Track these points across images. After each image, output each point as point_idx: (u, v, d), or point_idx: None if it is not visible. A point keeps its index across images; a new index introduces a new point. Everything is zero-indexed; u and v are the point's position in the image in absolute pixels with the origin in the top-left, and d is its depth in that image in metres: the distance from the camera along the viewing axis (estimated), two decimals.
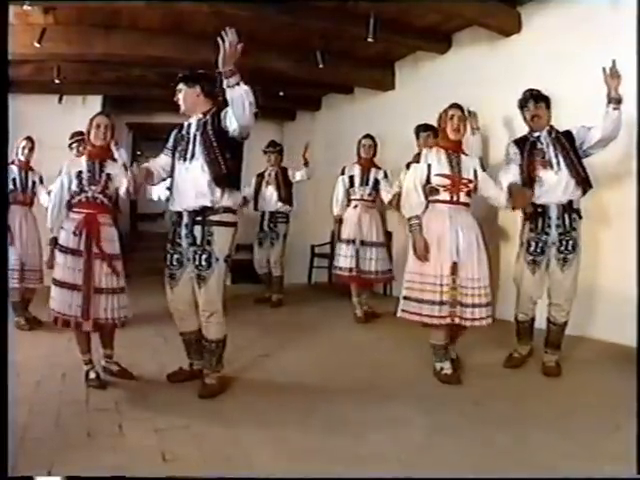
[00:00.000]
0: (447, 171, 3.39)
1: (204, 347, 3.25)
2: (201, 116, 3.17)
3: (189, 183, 3.13)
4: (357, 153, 5.45)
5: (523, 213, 3.73)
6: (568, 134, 3.59)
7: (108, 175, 3.34)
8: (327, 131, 8.45)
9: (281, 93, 7.50)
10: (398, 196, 4.45)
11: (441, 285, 3.31)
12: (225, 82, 2.84)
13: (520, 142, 3.72)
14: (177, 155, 3.22)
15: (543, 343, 3.68)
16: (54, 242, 3.32)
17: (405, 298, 3.45)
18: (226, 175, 3.08)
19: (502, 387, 3.40)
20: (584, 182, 3.54)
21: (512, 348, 3.83)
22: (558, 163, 3.53)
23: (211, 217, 3.11)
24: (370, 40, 4.89)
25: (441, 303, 3.31)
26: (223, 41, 2.76)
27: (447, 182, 3.39)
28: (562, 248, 3.54)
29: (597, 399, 3.13)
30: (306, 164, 6.19)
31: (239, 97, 2.84)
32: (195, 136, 3.14)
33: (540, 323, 3.77)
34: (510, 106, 3.85)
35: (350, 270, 5.25)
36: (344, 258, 5.29)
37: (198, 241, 3.12)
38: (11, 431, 2.10)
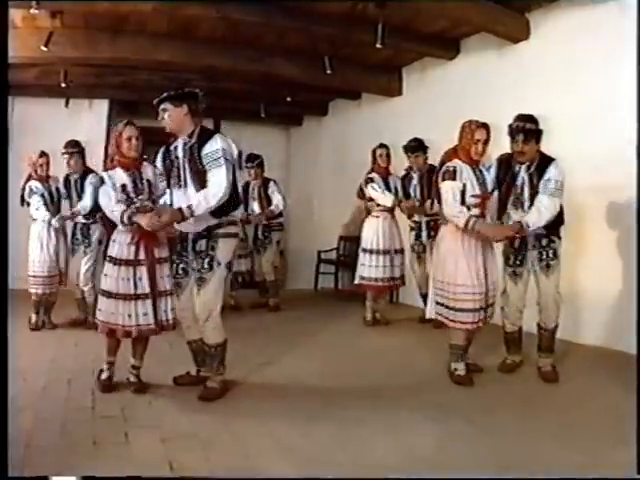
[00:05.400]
0: (478, 191, 3.51)
1: (205, 353, 3.30)
2: (187, 139, 3.13)
3: None
4: (374, 162, 5.30)
5: None
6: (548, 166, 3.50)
7: (148, 181, 3.31)
8: (334, 136, 8.45)
9: (288, 98, 7.48)
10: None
11: (481, 294, 3.48)
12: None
13: (503, 166, 3.62)
14: (172, 182, 3.23)
15: (536, 348, 3.74)
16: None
17: (446, 306, 3.55)
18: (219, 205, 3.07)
19: (504, 394, 3.41)
20: (553, 224, 3.52)
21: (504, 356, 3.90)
22: (530, 205, 3.51)
23: (216, 231, 3.15)
24: (378, 46, 4.85)
25: (482, 309, 3.50)
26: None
27: (479, 201, 3.51)
28: (544, 256, 3.61)
29: (599, 407, 3.14)
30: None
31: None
32: (184, 162, 3.14)
33: (530, 327, 3.80)
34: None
35: (390, 280, 5.24)
36: (375, 268, 5.21)
37: (202, 248, 3.15)
38: (12, 432, 2.08)
